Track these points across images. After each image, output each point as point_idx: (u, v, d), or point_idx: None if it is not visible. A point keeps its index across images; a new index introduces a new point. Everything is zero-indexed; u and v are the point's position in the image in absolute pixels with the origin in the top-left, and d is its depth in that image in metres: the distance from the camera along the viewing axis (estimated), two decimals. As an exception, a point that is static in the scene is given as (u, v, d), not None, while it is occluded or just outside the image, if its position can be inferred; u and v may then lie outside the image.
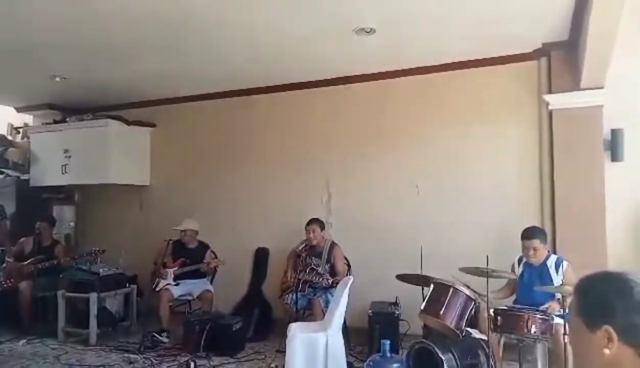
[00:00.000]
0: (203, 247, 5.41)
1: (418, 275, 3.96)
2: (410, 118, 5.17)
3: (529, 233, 3.76)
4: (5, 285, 5.30)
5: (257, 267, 5.80)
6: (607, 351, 1.16)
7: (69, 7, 3.64)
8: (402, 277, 4.04)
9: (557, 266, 3.66)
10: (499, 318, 3.32)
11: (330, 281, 4.54)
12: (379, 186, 5.27)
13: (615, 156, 4.34)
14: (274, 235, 5.65)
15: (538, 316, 3.23)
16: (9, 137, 7.26)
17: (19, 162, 6.86)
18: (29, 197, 6.50)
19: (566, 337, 2.99)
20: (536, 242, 3.71)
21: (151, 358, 4.41)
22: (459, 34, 4.20)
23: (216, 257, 5.40)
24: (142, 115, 6.51)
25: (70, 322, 5.10)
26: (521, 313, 3.27)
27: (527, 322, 3.20)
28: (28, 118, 7.26)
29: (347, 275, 4.73)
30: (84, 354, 4.61)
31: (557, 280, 3.57)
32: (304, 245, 4.78)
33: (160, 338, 4.85)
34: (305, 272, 4.65)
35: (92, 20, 3.89)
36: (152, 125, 6.56)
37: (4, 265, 5.54)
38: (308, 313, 4.67)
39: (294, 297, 4.49)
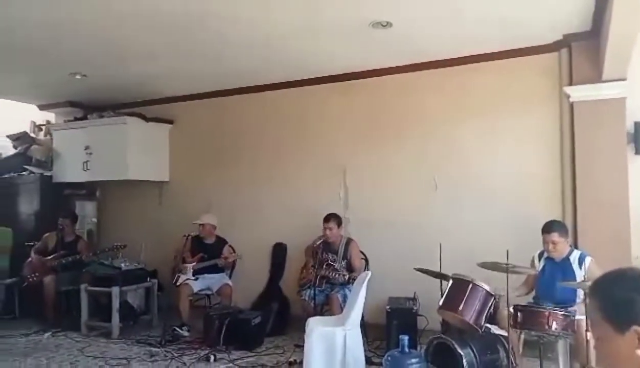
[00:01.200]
0: (221, 242, 5.46)
1: (437, 272, 3.93)
2: (428, 112, 5.13)
3: (548, 227, 3.71)
4: (30, 280, 5.44)
5: (275, 263, 5.83)
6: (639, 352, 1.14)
7: (90, 8, 3.69)
8: (420, 269, 4.01)
9: (581, 262, 3.59)
10: (519, 314, 3.27)
11: (346, 277, 4.54)
12: (396, 181, 5.24)
13: (639, 149, 4.24)
14: (291, 230, 5.67)
15: (559, 312, 3.18)
16: (32, 135, 7.41)
17: (42, 159, 7.00)
18: (52, 194, 6.63)
19: (588, 333, 2.94)
20: (555, 236, 3.65)
21: (172, 352, 4.47)
22: (477, 26, 4.14)
23: (234, 252, 5.45)
24: (160, 111, 6.57)
25: (93, 315, 5.22)
26: (542, 310, 3.21)
27: (548, 318, 3.14)
28: (50, 116, 7.41)
29: (364, 270, 4.73)
30: (107, 347, 4.70)
31: (579, 275, 3.51)
32: (320, 240, 4.77)
33: (180, 332, 4.92)
34: (322, 267, 4.66)
35: (113, 20, 3.94)
36: (171, 122, 6.63)
37: (29, 259, 5.68)
38: (326, 308, 4.69)
39: (312, 292, 4.51)
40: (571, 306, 3.42)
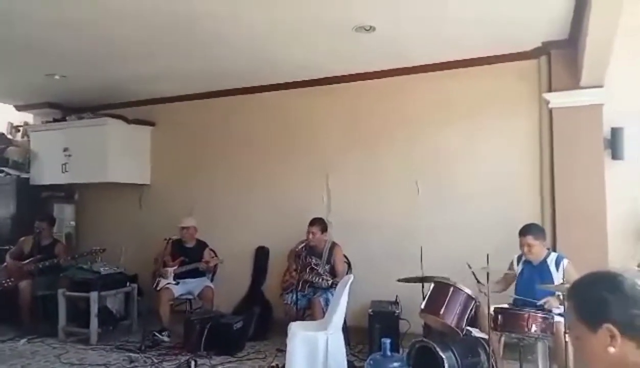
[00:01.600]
0: (201, 245, 5.41)
1: (419, 277, 3.95)
2: (411, 116, 5.16)
3: (524, 230, 3.77)
4: (5, 285, 5.31)
5: (257, 267, 5.79)
6: (611, 349, 1.18)
7: (79, 5, 3.62)
8: (404, 280, 4.03)
9: (558, 264, 3.65)
10: (499, 317, 3.32)
11: (330, 282, 4.53)
12: (380, 184, 5.26)
13: (615, 154, 4.33)
14: (274, 234, 5.64)
15: (539, 315, 3.23)
16: (9, 136, 7.25)
17: (19, 160, 6.85)
18: (29, 196, 6.48)
19: (567, 335, 2.99)
20: (530, 238, 3.70)
21: (152, 358, 4.41)
22: (458, 32, 4.19)
23: (215, 255, 5.40)
24: (141, 113, 6.49)
25: (71, 321, 5.11)
26: (522, 312, 3.26)
27: (527, 321, 3.20)
28: (28, 117, 7.25)
29: (347, 273, 4.73)
30: (85, 353, 4.61)
31: (557, 277, 3.57)
32: (303, 244, 4.76)
33: (160, 337, 4.85)
34: (305, 271, 4.65)
35: (102, 19, 3.89)
36: (152, 124, 6.55)
37: (4, 264, 5.54)
38: (308, 313, 4.67)
39: (294, 297, 4.49)
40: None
